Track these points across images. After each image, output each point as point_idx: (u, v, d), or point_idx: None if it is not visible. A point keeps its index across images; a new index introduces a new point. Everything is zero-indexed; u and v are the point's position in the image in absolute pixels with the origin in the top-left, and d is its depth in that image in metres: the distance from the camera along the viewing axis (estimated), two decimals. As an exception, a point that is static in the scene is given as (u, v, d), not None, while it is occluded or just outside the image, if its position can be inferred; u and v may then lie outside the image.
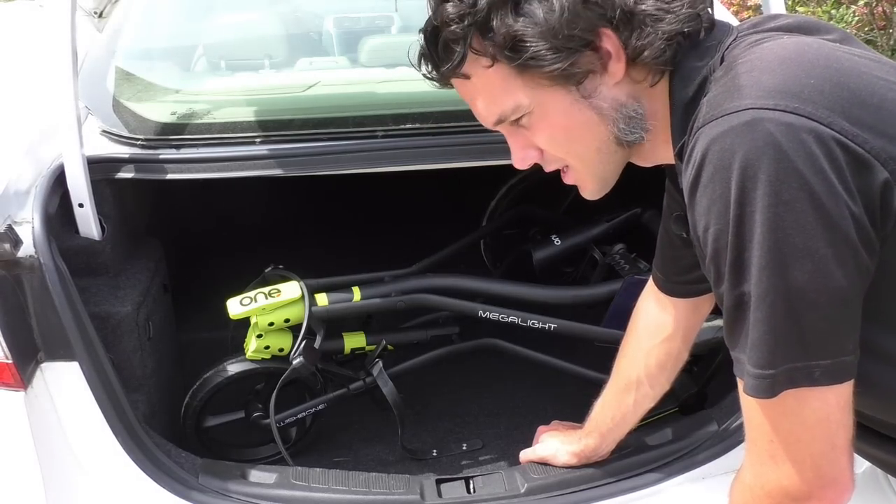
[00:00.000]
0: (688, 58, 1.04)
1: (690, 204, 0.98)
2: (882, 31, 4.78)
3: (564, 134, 1.10)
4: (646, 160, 1.16)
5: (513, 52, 1.02)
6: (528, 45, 1.01)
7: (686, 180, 0.98)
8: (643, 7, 1.02)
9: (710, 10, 1.06)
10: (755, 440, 1.00)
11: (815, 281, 0.88)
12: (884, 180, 0.89)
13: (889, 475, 1.15)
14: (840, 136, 0.89)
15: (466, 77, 1.08)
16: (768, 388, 0.93)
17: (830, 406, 0.93)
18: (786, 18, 1.09)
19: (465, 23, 1.02)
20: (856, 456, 1.11)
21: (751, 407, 0.98)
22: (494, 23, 1.01)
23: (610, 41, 1.02)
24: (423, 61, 1.12)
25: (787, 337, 0.91)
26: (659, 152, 1.12)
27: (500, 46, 1.02)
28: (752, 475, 1.02)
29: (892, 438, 1.05)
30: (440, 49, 1.07)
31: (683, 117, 1.03)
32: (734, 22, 1.23)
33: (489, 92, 1.08)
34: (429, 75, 1.12)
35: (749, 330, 0.93)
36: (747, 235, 0.90)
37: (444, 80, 1.11)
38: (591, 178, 1.16)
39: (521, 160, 1.15)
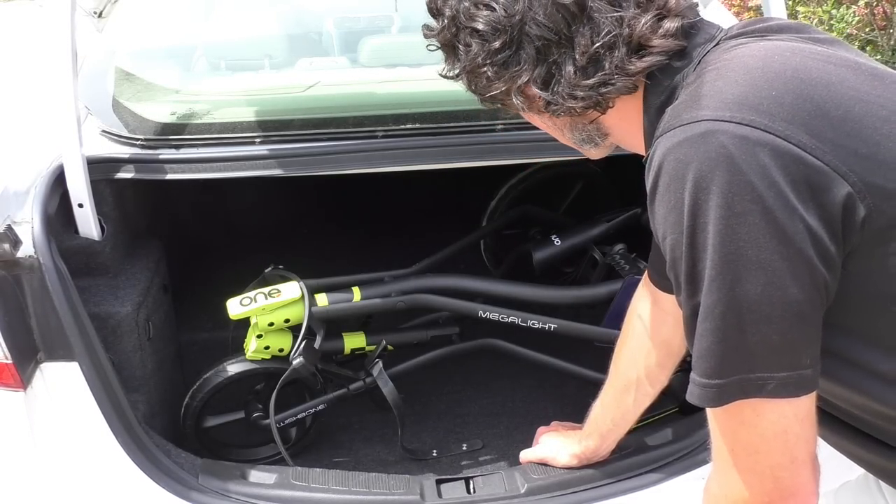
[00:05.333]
0: (663, 69, 1.04)
1: (651, 211, 0.98)
2: (882, 32, 4.78)
3: (540, 127, 1.21)
4: (631, 149, 1.19)
5: None
6: (466, 86, 1.13)
7: (647, 187, 0.98)
8: (549, 88, 1.05)
9: (674, 32, 1.04)
10: (719, 450, 1.00)
11: (768, 294, 0.88)
12: (846, 194, 0.88)
13: (881, 480, 1.15)
14: (797, 149, 0.88)
15: None
16: (714, 398, 0.94)
17: (788, 419, 0.93)
18: (776, 21, 1.09)
19: (433, 48, 1.16)
20: (850, 463, 1.12)
21: (713, 418, 0.99)
22: (446, 62, 1.14)
23: (524, 96, 1.08)
24: None
25: (736, 348, 0.91)
26: (639, 148, 1.14)
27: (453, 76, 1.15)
28: (717, 485, 1.03)
29: (881, 442, 1.05)
30: None
31: (653, 123, 1.04)
32: (733, 22, 1.23)
33: None
34: None
35: (697, 339, 0.93)
36: (700, 246, 0.90)
37: None
38: (580, 151, 1.25)
39: None
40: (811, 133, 0.89)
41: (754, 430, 0.94)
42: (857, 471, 1.16)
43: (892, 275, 0.92)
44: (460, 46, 1.08)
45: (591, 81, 1.02)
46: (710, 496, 1.05)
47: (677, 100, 1.00)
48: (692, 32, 1.06)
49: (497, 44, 1.03)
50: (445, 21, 1.08)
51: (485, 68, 1.05)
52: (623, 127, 1.12)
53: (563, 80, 1.03)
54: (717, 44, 1.04)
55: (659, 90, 1.04)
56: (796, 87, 0.92)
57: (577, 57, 1.01)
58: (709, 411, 0.98)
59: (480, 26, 1.03)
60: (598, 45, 1.00)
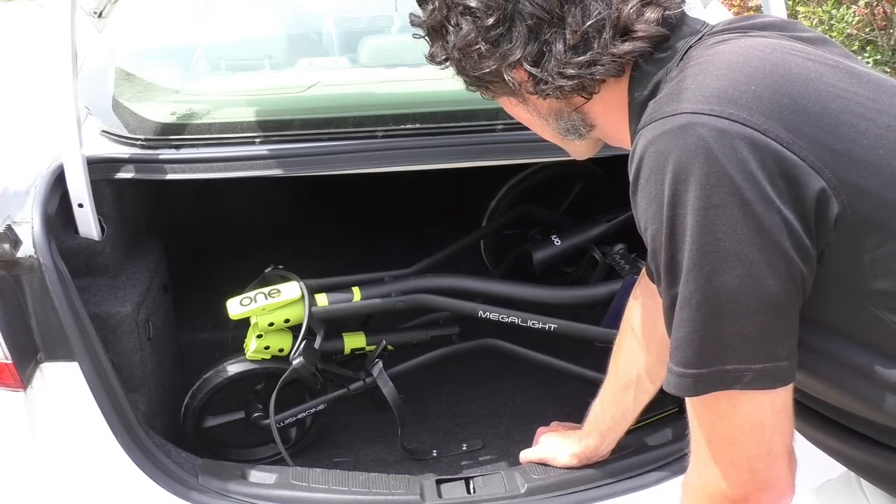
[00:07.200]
0: (646, 59, 1.05)
1: (633, 203, 1.00)
2: (882, 31, 4.78)
3: (522, 121, 1.22)
4: (616, 144, 1.19)
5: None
6: (455, 68, 1.14)
7: (629, 179, 0.99)
8: (539, 66, 1.05)
9: (657, 24, 1.05)
10: (697, 442, 1.01)
11: (745, 285, 0.89)
12: (819, 189, 0.89)
13: (861, 478, 1.15)
14: (775, 144, 0.89)
15: None
16: (690, 387, 0.95)
17: (764, 411, 0.94)
18: (762, 18, 1.10)
19: (421, 33, 1.17)
20: (832, 461, 1.12)
21: (691, 409, 1.00)
22: (433, 46, 1.15)
23: (514, 75, 1.08)
24: None
25: (713, 339, 0.92)
26: (624, 143, 1.15)
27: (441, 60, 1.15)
28: (694, 477, 1.04)
29: (859, 434, 1.05)
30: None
31: (637, 117, 1.05)
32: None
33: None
34: None
35: (675, 329, 0.94)
36: (679, 237, 0.91)
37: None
38: (565, 149, 1.26)
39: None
40: (789, 128, 0.90)
41: (731, 421, 0.95)
42: (838, 469, 1.16)
43: (866, 272, 0.93)
44: (450, 27, 1.09)
45: (580, 59, 1.03)
46: (689, 488, 1.06)
47: (660, 94, 1.01)
48: (676, 26, 1.07)
49: (490, 21, 1.05)
50: (436, 3, 1.10)
51: (477, 45, 1.07)
52: (608, 119, 1.13)
53: (553, 59, 1.04)
54: (701, 39, 1.05)
55: (643, 84, 1.05)
56: (775, 83, 0.93)
57: (567, 36, 1.03)
58: (687, 403, 0.99)
59: (473, 3, 1.05)
60: (588, 25, 1.02)
